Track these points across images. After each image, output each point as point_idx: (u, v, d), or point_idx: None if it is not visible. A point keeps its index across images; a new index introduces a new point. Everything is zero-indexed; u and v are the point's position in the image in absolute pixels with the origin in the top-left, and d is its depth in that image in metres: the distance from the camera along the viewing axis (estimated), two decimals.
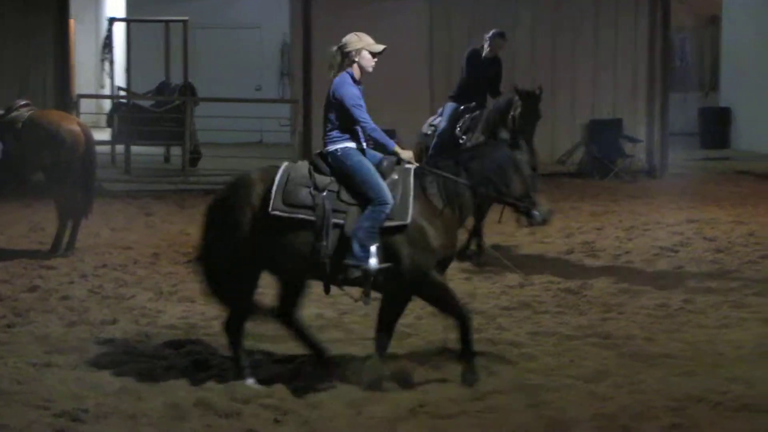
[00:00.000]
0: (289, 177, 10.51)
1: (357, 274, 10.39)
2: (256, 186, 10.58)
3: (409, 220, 10.33)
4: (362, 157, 10.55)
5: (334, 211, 10.39)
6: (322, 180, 10.49)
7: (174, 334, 12.30)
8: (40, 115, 17.32)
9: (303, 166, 10.68)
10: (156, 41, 27.81)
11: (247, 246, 10.48)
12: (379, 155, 10.67)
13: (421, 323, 12.43)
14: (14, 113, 16.83)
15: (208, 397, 10.06)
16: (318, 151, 10.82)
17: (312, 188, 10.44)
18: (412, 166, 10.58)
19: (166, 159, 27.57)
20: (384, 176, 10.46)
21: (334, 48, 10.72)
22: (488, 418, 9.67)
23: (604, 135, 25.55)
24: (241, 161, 24.75)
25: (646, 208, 21.01)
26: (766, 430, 9.29)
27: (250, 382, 10.51)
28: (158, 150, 27.56)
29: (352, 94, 10.55)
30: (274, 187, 10.45)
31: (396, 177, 10.49)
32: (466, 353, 10.52)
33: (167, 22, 27.64)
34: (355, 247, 10.31)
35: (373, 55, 10.68)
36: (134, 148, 26.17)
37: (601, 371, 10.84)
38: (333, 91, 10.62)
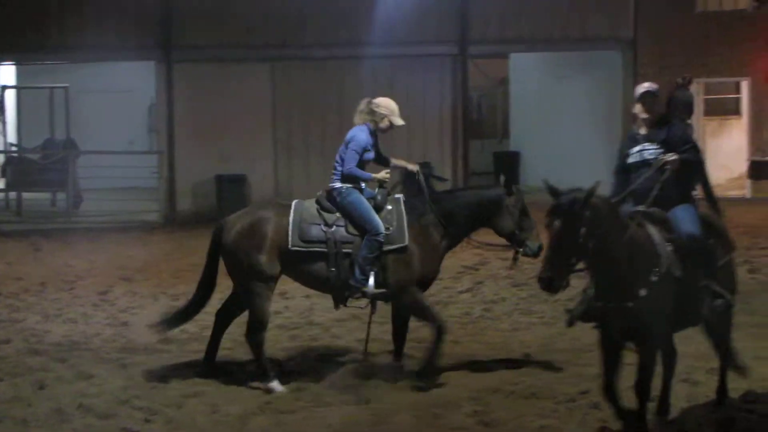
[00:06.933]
0: (301, 216, 10.42)
1: (358, 295, 10.46)
2: (273, 221, 10.43)
3: (406, 242, 10.36)
4: (360, 195, 10.48)
5: (343, 242, 10.36)
6: (330, 217, 10.44)
7: (59, 350, 12.06)
8: None
9: (311, 205, 10.57)
10: (42, 104, 27.47)
11: (266, 269, 10.36)
12: (372, 192, 10.59)
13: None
14: None
15: (89, 401, 9.88)
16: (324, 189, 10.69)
17: (323, 225, 10.38)
18: (402, 197, 10.60)
19: (53, 203, 27.13)
20: (379, 208, 10.44)
21: (366, 100, 10.73)
22: (318, 412, 9.64)
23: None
24: (116, 203, 24.51)
25: None
26: (549, 411, 9.41)
27: (275, 384, 10.32)
28: (46, 195, 27.11)
29: (359, 140, 10.51)
30: (290, 226, 10.36)
31: (390, 207, 10.50)
32: (430, 354, 10.49)
33: (51, 88, 27.52)
34: (357, 272, 10.34)
35: (391, 125, 10.73)
36: (25, 195, 25.89)
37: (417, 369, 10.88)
38: (349, 134, 10.59)
